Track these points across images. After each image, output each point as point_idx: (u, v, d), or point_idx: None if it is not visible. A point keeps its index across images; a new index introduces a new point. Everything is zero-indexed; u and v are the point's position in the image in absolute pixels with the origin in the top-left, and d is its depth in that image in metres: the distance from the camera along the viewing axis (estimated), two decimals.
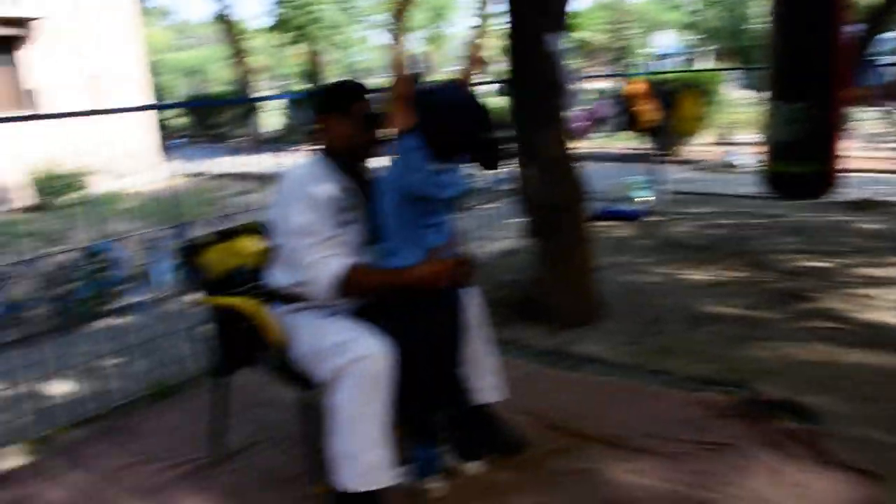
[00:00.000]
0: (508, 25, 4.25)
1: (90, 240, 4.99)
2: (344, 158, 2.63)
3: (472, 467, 2.79)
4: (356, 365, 2.36)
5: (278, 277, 2.70)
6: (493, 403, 2.97)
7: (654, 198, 7.80)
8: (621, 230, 6.88)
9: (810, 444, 2.85)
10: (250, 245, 3.08)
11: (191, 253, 2.91)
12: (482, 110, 2.52)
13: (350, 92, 2.63)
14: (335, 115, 2.61)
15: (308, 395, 2.69)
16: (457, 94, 2.56)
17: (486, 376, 2.92)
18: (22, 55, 12.56)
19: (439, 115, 2.45)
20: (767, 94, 4.23)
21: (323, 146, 2.67)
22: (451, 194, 2.51)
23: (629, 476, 2.74)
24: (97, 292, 3.69)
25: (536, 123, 4.09)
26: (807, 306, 4.48)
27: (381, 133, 2.63)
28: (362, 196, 2.63)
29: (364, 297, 2.59)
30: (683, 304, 4.62)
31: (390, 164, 2.52)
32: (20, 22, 12.37)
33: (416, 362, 2.52)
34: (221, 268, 2.97)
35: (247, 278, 3.02)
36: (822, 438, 2.88)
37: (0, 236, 8.83)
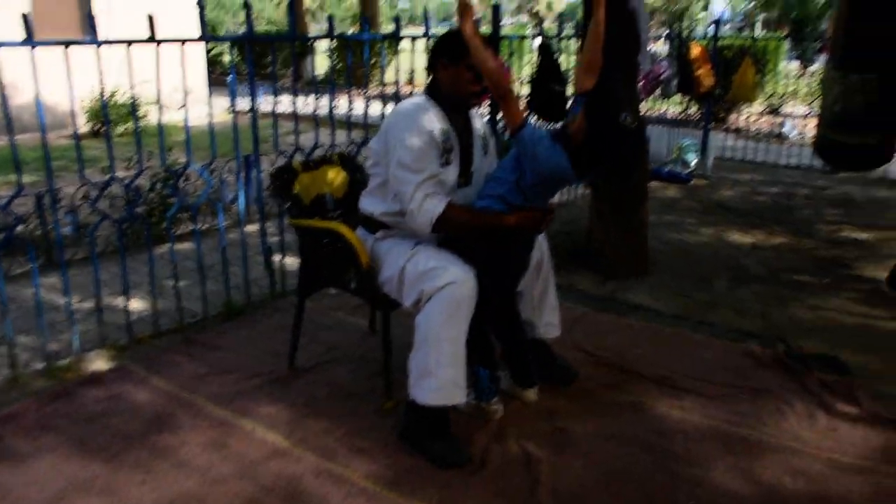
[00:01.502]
0: None
1: (154, 167, 5.19)
2: (449, 103, 2.77)
3: (529, 393, 3.02)
4: (446, 289, 2.56)
5: (372, 204, 2.89)
6: (550, 339, 3.21)
7: (703, 162, 7.90)
8: (670, 191, 7.04)
9: (844, 395, 3.06)
10: (333, 175, 3.31)
11: (284, 179, 3.12)
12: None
13: (462, 44, 2.65)
14: (445, 64, 2.72)
15: (388, 315, 2.93)
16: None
17: (546, 314, 3.15)
18: None
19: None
20: (829, 62, 4.27)
21: (430, 88, 2.80)
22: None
23: (675, 411, 2.97)
24: (166, 216, 3.89)
25: (608, 77, 4.20)
26: (846, 272, 4.66)
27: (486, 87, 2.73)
28: (460, 141, 2.79)
29: (456, 233, 2.74)
30: (728, 264, 4.81)
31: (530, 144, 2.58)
32: None
33: (488, 292, 2.73)
34: (309, 194, 3.19)
35: (331, 206, 3.25)
36: (854, 390, 3.08)
37: (59, 160, 9.13)
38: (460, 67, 2.69)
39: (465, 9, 2.57)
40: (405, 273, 2.71)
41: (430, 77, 2.81)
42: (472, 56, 2.58)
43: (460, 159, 2.79)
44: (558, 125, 2.73)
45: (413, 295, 2.67)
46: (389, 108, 6.99)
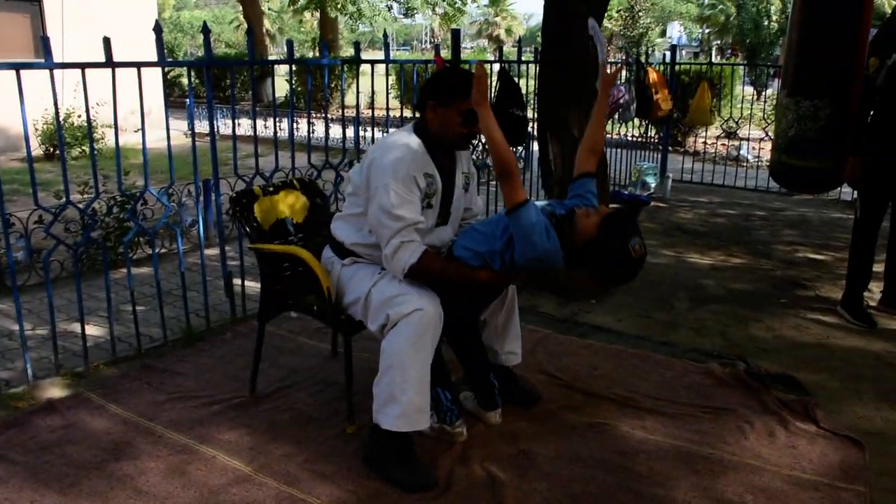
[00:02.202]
0: (546, 7, 4.41)
1: (109, 191, 5.13)
2: (436, 143, 2.72)
3: (492, 416, 3.01)
4: (412, 316, 2.55)
5: (344, 231, 2.85)
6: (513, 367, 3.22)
7: (662, 185, 8.02)
8: None
9: (802, 413, 3.11)
10: (293, 200, 3.29)
11: (244, 203, 3.09)
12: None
13: (457, 87, 2.63)
14: (438, 105, 2.67)
15: (349, 339, 2.91)
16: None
17: (508, 343, 3.16)
18: (42, 4, 12.59)
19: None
20: (782, 89, 4.38)
21: (418, 126, 2.75)
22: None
23: (637, 432, 2.98)
24: (123, 240, 3.83)
25: (567, 102, 4.27)
26: (802, 293, 4.74)
27: (477, 130, 2.67)
28: (445, 182, 2.76)
29: (428, 280, 2.68)
30: (688, 285, 4.87)
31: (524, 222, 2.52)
32: None
33: (451, 316, 2.72)
34: (269, 219, 3.16)
35: (292, 230, 3.23)
36: (812, 408, 3.14)
37: (11, 184, 8.95)
38: (450, 110, 2.65)
39: (480, 79, 2.51)
40: (371, 297, 2.70)
41: (420, 116, 2.77)
42: (481, 127, 2.55)
43: (441, 201, 2.77)
44: (557, 208, 2.68)
45: (379, 320, 2.65)
46: (350, 131, 6.97)
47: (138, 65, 3.44)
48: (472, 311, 2.93)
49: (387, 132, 5.84)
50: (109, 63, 3.34)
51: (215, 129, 4.03)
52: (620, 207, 2.56)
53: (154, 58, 3.55)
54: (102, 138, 11.39)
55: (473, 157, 5.52)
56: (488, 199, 5.45)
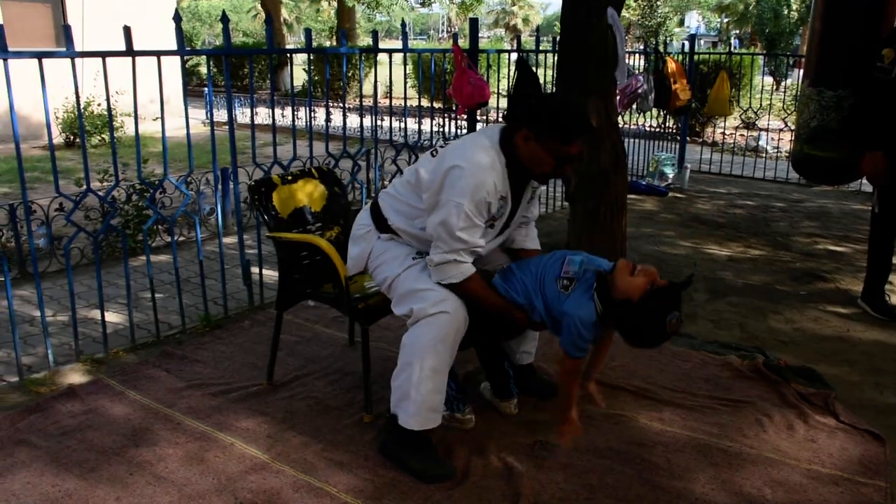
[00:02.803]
0: None
1: (128, 179, 5.17)
2: (517, 165, 2.58)
3: (508, 406, 3.02)
4: (437, 318, 2.52)
5: (394, 213, 2.75)
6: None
7: (680, 175, 7.97)
8: (648, 204, 7.09)
9: (822, 406, 3.09)
10: (312, 188, 3.29)
11: (263, 192, 3.10)
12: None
13: (562, 129, 2.46)
14: (533, 137, 2.49)
15: (366, 328, 2.92)
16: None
17: (525, 343, 3.15)
18: None
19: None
20: (805, 79, 4.34)
21: (506, 140, 2.58)
22: None
23: (655, 423, 2.97)
24: (143, 228, 3.85)
25: (586, 92, 4.23)
26: (822, 286, 4.70)
27: (566, 171, 2.62)
28: (512, 204, 2.68)
29: (466, 298, 2.61)
30: (706, 276, 4.84)
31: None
32: None
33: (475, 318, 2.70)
34: (287, 208, 3.17)
35: (310, 219, 3.24)
36: (832, 402, 3.11)
37: (32, 172, 9.03)
38: (544, 149, 2.48)
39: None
40: (399, 281, 2.66)
41: (507, 129, 2.59)
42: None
43: (505, 221, 2.71)
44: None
45: (402, 308, 2.63)
46: (367, 121, 6.91)
47: (158, 53, 3.45)
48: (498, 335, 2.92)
49: (403, 121, 5.85)
50: (130, 52, 3.36)
51: (233, 118, 4.04)
52: (672, 283, 2.50)
53: (173, 46, 3.56)
54: (122, 127, 11.46)
55: None
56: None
